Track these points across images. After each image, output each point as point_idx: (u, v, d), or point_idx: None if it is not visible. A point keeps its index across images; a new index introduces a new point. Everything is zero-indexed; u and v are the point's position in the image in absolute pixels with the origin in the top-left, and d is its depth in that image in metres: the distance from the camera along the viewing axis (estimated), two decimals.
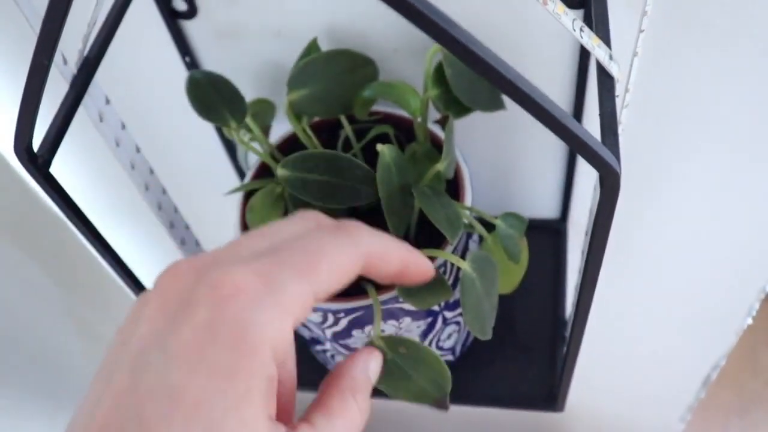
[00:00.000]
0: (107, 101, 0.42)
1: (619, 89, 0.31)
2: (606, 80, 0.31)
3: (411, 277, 0.33)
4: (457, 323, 0.49)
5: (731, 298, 0.66)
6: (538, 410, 0.51)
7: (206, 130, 0.53)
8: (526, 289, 0.50)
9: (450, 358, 0.52)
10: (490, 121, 0.50)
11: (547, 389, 0.52)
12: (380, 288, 0.40)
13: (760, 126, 0.46)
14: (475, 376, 0.53)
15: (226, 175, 0.54)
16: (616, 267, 0.64)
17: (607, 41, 0.34)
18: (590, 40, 0.30)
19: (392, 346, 0.37)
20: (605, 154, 0.27)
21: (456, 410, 0.49)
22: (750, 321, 0.67)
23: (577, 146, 0.26)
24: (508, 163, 0.54)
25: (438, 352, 0.39)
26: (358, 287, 0.42)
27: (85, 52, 0.38)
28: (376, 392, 0.36)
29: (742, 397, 1.31)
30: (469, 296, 0.37)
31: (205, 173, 0.58)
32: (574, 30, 0.29)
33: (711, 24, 0.40)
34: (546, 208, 0.57)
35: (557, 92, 0.47)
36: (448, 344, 0.50)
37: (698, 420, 1.27)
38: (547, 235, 0.57)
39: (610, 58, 0.31)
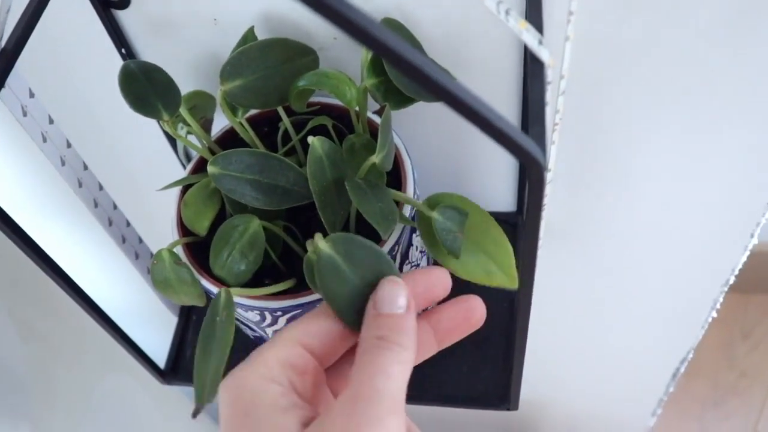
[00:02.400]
0: (32, 94, 0.40)
1: (552, 75, 0.30)
2: (535, 66, 0.29)
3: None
4: None
5: (696, 292, 0.64)
6: (491, 409, 0.49)
7: (148, 122, 0.51)
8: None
9: None
10: (441, 113, 0.48)
11: (502, 388, 0.51)
12: (308, 287, 0.38)
13: (715, 108, 0.45)
14: (427, 374, 0.52)
15: (170, 169, 0.52)
16: (579, 264, 0.63)
17: (539, 26, 0.32)
18: (517, 24, 0.28)
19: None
20: (527, 143, 0.25)
21: (415, 408, 0.47)
22: (715, 314, 0.66)
23: (495, 136, 0.25)
24: (462, 156, 0.53)
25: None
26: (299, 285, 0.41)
27: (2, 43, 0.36)
28: None
29: (717, 389, 1.31)
30: (330, 280, 0.31)
31: (148, 167, 0.56)
32: (499, 13, 0.28)
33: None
34: (502, 202, 0.56)
35: (504, 96, 0.46)
36: None
37: (674, 411, 1.27)
38: (504, 229, 0.56)
39: (540, 42, 0.29)
